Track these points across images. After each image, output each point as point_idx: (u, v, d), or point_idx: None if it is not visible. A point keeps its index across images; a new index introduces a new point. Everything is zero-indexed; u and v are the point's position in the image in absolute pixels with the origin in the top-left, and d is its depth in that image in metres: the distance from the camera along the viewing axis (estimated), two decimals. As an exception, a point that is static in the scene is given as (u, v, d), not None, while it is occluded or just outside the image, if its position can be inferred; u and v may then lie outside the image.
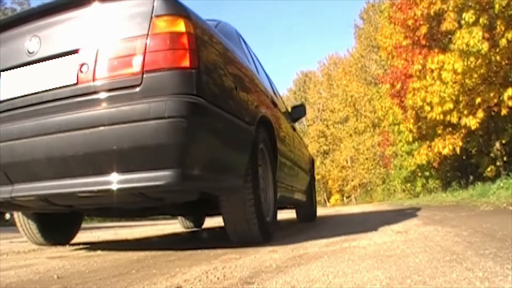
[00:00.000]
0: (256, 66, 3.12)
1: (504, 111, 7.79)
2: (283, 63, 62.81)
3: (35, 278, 1.49)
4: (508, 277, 1.06)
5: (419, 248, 1.70)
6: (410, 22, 9.12)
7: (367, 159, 27.50)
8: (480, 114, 8.02)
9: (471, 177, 10.62)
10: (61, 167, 1.71)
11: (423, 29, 9.06)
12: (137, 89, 1.62)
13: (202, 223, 5.27)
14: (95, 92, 1.67)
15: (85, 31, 1.80)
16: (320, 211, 7.20)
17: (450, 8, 7.72)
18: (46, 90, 1.76)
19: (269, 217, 2.44)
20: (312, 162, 5.27)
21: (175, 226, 5.74)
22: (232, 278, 1.29)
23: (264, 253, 1.88)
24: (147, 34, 1.66)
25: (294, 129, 4.03)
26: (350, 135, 29.60)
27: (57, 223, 2.77)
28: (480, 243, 1.71)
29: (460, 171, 11.94)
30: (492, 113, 8.49)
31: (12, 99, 1.84)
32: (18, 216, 2.64)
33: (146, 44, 1.65)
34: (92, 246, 2.84)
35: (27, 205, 2.10)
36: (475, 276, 1.10)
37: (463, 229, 2.32)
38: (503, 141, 9.19)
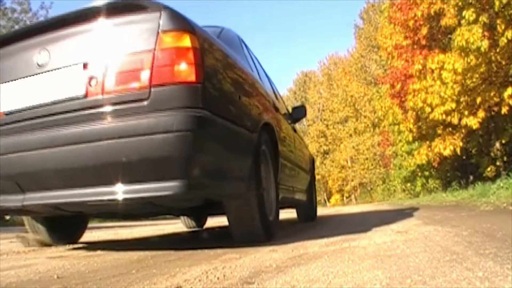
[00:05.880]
0: (257, 70, 3.16)
1: (504, 110, 7.79)
2: (283, 62, 62.86)
3: (35, 278, 1.49)
4: (508, 277, 1.06)
5: (419, 248, 1.70)
6: (410, 23, 9.12)
7: (367, 159, 27.50)
8: (481, 113, 8.01)
9: (471, 177, 10.61)
10: (70, 177, 1.76)
11: (424, 30, 9.06)
12: (145, 102, 1.65)
13: (204, 223, 5.30)
14: (103, 105, 1.70)
15: (93, 45, 1.82)
16: (320, 211, 7.20)
17: (451, 6, 7.72)
18: (56, 103, 1.79)
19: (272, 216, 2.48)
20: (312, 161, 5.27)
21: (175, 226, 5.75)
22: (232, 278, 1.29)
23: (264, 252, 1.88)
24: (154, 49, 1.69)
25: (295, 130, 4.04)
26: (350, 135, 29.59)
27: (65, 223, 2.81)
28: (480, 243, 1.70)
29: (460, 171, 11.94)
30: (492, 113, 8.49)
31: (22, 110, 1.86)
32: (27, 218, 2.69)
33: (153, 58, 1.68)
34: (92, 246, 2.84)
35: (37, 211, 2.16)
36: (475, 276, 1.10)
37: (463, 229, 2.32)
38: (503, 141, 9.18)
